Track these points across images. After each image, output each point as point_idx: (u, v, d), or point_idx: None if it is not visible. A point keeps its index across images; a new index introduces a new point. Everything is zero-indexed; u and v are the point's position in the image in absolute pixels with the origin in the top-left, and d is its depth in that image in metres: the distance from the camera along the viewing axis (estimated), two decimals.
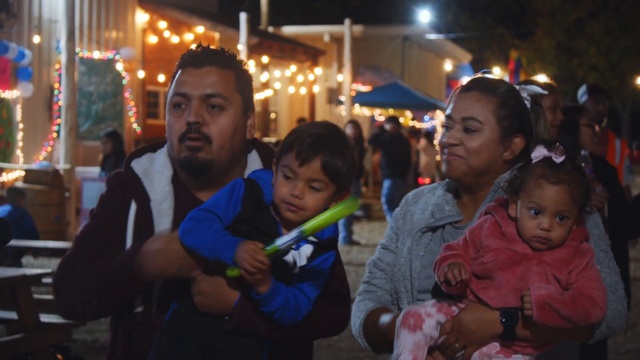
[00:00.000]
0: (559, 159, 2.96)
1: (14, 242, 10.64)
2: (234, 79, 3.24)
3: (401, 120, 18.02)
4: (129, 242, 3.17)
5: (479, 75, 3.37)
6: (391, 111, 32.32)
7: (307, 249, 2.94)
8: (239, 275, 2.83)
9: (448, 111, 3.26)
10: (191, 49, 3.31)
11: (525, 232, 2.95)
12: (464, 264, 2.92)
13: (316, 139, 2.94)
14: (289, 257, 2.90)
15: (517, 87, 3.34)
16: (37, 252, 12.71)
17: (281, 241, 2.77)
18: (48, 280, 11.30)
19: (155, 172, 3.25)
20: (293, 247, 2.86)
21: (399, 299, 3.27)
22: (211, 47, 3.30)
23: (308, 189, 2.92)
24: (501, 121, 3.20)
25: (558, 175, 2.94)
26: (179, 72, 3.26)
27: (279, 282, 2.89)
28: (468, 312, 2.92)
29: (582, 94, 8.45)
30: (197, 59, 3.24)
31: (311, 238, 2.90)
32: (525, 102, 3.30)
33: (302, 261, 2.93)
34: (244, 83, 3.29)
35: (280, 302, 2.88)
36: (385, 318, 3.16)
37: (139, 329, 3.14)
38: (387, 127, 17.85)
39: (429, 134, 31.85)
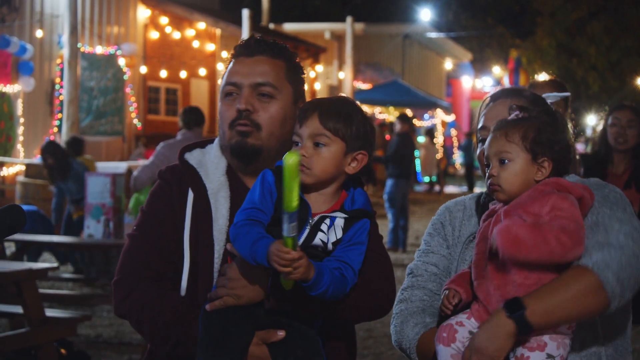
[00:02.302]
0: (511, 116, 3.00)
1: (23, 237, 10.63)
2: (284, 68, 3.30)
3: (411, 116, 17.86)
4: (187, 230, 3.21)
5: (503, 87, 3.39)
6: (391, 109, 32.35)
7: (339, 222, 2.96)
8: (293, 283, 2.83)
9: (480, 124, 3.23)
10: (244, 40, 3.37)
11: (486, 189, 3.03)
12: (461, 291, 2.96)
13: (318, 102, 3.03)
14: (317, 241, 2.92)
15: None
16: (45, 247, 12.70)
17: (284, 230, 2.74)
18: (53, 274, 11.35)
19: (210, 162, 3.31)
20: (326, 222, 2.92)
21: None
22: (263, 37, 3.36)
23: (313, 146, 2.96)
24: None
25: (498, 125, 2.98)
26: (232, 62, 3.33)
27: (319, 262, 2.88)
28: (478, 333, 2.85)
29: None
30: (248, 48, 3.30)
31: (340, 213, 2.94)
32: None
33: (339, 234, 2.96)
34: (295, 73, 3.35)
35: (328, 280, 2.86)
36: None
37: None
38: (398, 125, 17.73)
39: (430, 132, 31.89)
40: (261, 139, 3.21)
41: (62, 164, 13.29)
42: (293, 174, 2.71)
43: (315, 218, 2.96)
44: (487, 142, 2.99)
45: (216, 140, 3.40)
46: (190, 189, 3.26)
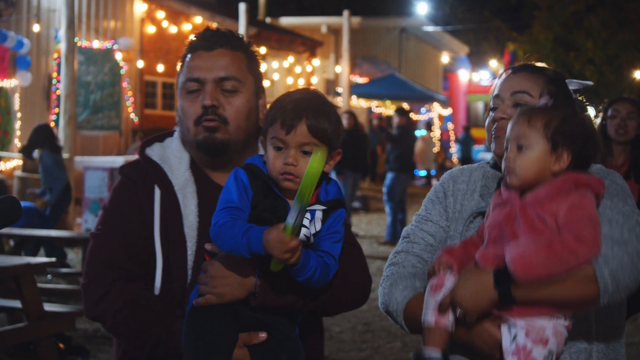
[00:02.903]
0: (541, 103, 2.96)
1: (18, 231, 10.62)
2: (245, 60, 3.27)
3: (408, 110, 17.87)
4: (156, 227, 3.15)
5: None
6: (388, 103, 32.33)
7: (318, 215, 2.95)
8: (282, 266, 2.83)
9: (495, 92, 3.19)
10: (200, 32, 3.30)
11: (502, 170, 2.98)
12: (453, 262, 2.93)
13: (297, 104, 2.94)
14: (301, 236, 2.91)
15: None
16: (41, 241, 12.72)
17: (291, 219, 2.75)
18: (52, 269, 11.34)
19: (172, 157, 3.26)
20: (307, 217, 2.90)
21: None
22: (219, 29, 3.31)
23: (300, 154, 2.93)
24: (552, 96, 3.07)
25: (523, 110, 2.94)
26: (189, 56, 3.26)
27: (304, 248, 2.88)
28: (463, 283, 2.84)
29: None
30: (207, 42, 3.24)
31: (318, 206, 2.94)
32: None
33: (318, 226, 2.95)
34: (255, 64, 3.32)
35: (314, 264, 2.87)
36: None
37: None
38: (396, 119, 17.71)
39: (428, 125, 31.88)
40: (229, 133, 3.18)
41: (30, 147, 13.35)
42: (319, 169, 2.74)
43: None
44: (509, 126, 2.95)
45: (176, 134, 3.34)
46: (156, 185, 3.20)
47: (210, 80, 3.18)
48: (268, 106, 3.07)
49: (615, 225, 2.85)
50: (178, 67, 3.32)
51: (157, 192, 3.19)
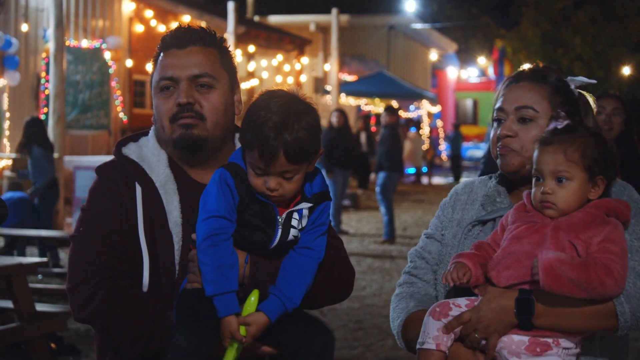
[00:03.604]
0: (560, 125, 2.95)
1: (10, 231, 10.60)
2: (218, 56, 3.24)
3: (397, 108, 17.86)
4: (140, 224, 3.13)
5: (525, 67, 3.28)
6: (377, 101, 32.36)
7: (306, 212, 2.97)
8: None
9: (498, 104, 3.16)
10: (172, 30, 3.28)
11: (532, 200, 2.95)
12: (471, 267, 2.90)
13: (275, 133, 2.85)
14: (290, 237, 2.94)
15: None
16: (30, 241, 12.71)
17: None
18: (44, 269, 11.32)
19: (150, 155, 3.23)
20: (295, 217, 2.95)
21: (439, 289, 3.23)
22: (191, 26, 3.28)
23: (282, 179, 2.90)
24: (556, 109, 3.08)
25: (552, 138, 2.91)
26: (162, 54, 3.24)
27: (267, 299, 2.92)
28: (486, 301, 2.86)
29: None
30: (179, 39, 3.21)
31: (305, 203, 2.95)
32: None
33: (304, 223, 2.97)
34: (228, 59, 3.29)
35: (293, 296, 2.93)
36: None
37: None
38: (385, 118, 17.71)
39: (417, 123, 31.93)
40: (207, 129, 3.14)
41: (27, 143, 13.40)
42: (236, 354, 2.86)
43: (284, 215, 2.95)
44: (537, 155, 2.93)
45: (151, 133, 3.31)
46: (137, 183, 3.17)
47: (184, 78, 3.16)
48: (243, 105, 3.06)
49: (636, 255, 2.89)
50: (150, 66, 3.29)
51: (139, 190, 3.16)
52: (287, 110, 2.90)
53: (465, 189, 3.34)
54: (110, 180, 3.20)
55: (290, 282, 2.93)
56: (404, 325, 3.16)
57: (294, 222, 2.94)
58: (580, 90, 3.28)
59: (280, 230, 2.94)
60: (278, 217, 2.94)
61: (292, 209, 2.96)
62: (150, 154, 3.24)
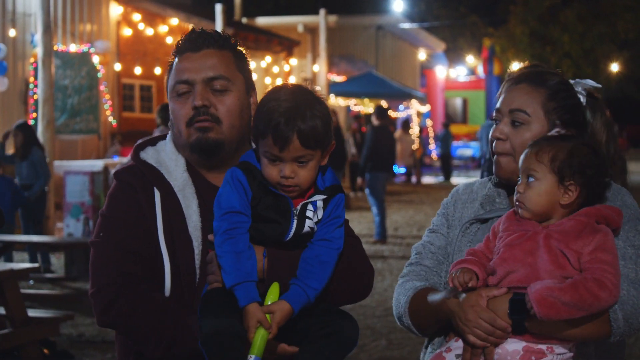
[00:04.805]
0: (552, 133, 2.98)
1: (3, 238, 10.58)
2: (232, 59, 3.25)
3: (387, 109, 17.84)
4: (160, 228, 3.15)
5: (529, 66, 3.26)
6: (366, 101, 32.37)
7: (320, 204, 2.98)
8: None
9: (497, 104, 3.18)
10: (186, 35, 3.29)
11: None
12: (477, 271, 2.89)
13: (287, 118, 2.89)
14: (306, 229, 2.95)
15: (572, 81, 3.24)
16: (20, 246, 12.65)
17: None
18: (35, 275, 11.30)
19: (168, 160, 3.24)
20: (310, 208, 2.96)
21: (444, 278, 3.22)
22: (205, 30, 3.29)
23: (297, 165, 2.92)
24: (549, 114, 3.09)
25: (535, 142, 2.95)
26: (177, 59, 3.25)
27: (291, 288, 2.92)
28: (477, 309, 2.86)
29: None
30: (194, 43, 3.23)
31: (319, 195, 2.97)
32: (580, 96, 3.21)
33: (320, 215, 2.98)
34: (243, 62, 3.30)
35: (315, 285, 2.93)
36: (435, 297, 3.06)
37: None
38: (375, 121, 17.67)
39: (406, 123, 31.91)
40: (223, 132, 3.16)
41: (28, 145, 13.35)
42: (263, 342, 2.82)
43: (298, 207, 2.96)
44: (521, 157, 2.96)
45: (168, 137, 3.33)
46: (155, 188, 3.18)
47: (199, 81, 3.17)
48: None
49: (629, 262, 2.90)
50: (157, 71, 3.29)
51: (157, 195, 3.18)
52: (297, 97, 2.95)
53: (465, 190, 3.36)
54: (128, 185, 3.22)
55: (310, 272, 2.93)
56: (410, 301, 3.15)
57: (309, 214, 2.95)
58: (591, 91, 3.26)
59: (295, 221, 2.95)
60: (293, 208, 2.95)
61: (307, 200, 2.97)
62: (167, 158, 3.26)
